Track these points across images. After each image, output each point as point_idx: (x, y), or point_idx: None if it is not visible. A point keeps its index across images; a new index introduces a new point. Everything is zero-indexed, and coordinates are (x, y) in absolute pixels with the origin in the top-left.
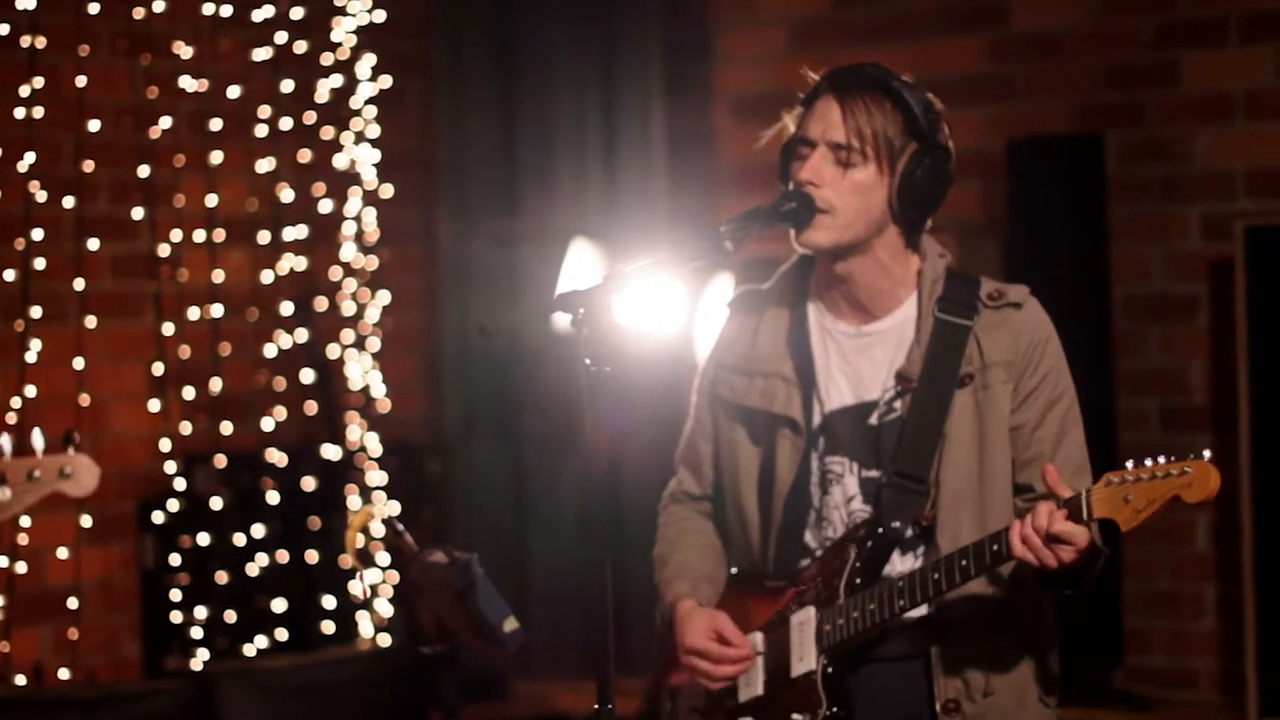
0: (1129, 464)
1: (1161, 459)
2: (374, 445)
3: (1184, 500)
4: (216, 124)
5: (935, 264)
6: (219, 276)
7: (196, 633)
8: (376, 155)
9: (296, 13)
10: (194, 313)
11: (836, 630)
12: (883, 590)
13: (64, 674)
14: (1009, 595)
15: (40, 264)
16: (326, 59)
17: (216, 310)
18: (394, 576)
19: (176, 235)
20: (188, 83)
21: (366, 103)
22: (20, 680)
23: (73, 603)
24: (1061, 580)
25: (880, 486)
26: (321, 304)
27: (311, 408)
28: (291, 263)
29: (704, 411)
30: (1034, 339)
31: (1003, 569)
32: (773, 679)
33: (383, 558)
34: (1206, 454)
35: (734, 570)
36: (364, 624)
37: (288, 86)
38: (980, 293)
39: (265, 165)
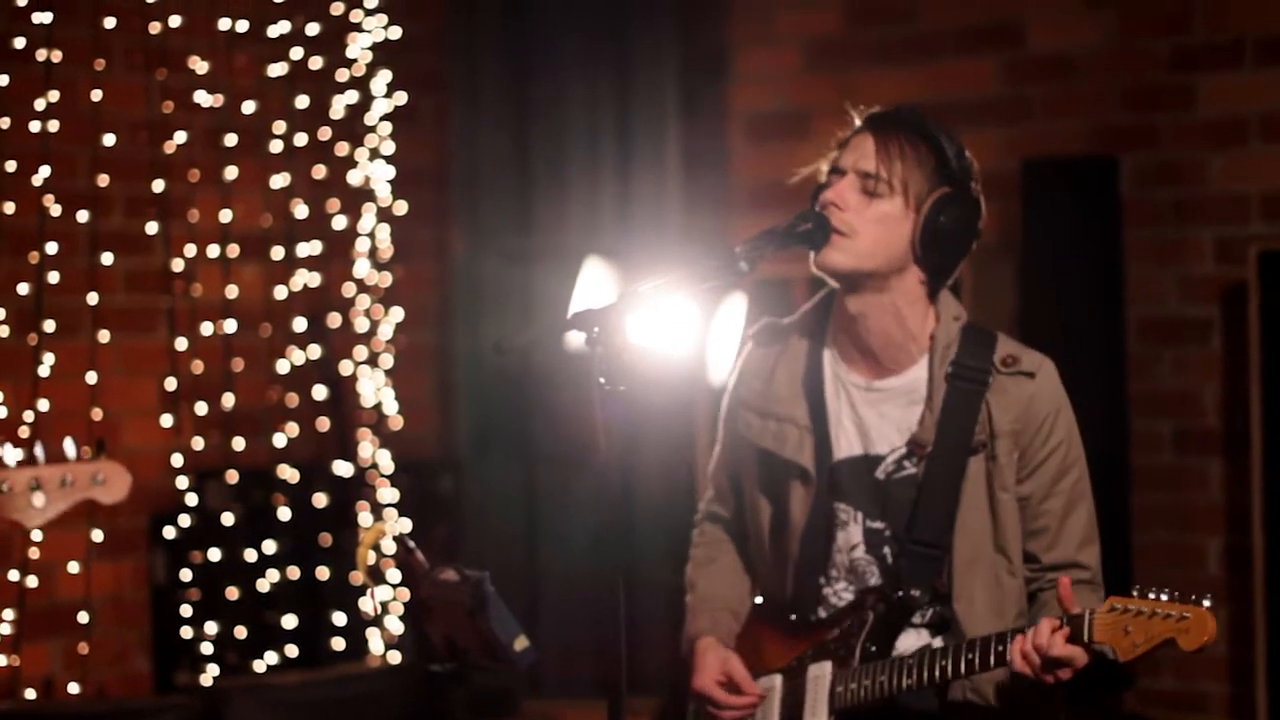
0: (1135, 592)
1: (1165, 595)
2: (386, 462)
3: (1179, 645)
4: (231, 139)
5: (949, 327)
6: (232, 292)
7: (207, 648)
8: (391, 172)
9: (312, 29)
10: (207, 328)
11: (848, 693)
12: (893, 665)
13: (74, 689)
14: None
15: (54, 278)
16: (341, 75)
17: (229, 326)
18: (405, 594)
19: (190, 250)
20: (203, 98)
21: (381, 119)
22: (30, 695)
23: (83, 617)
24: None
25: (897, 555)
26: (334, 320)
27: (324, 424)
28: (305, 279)
29: (726, 442)
30: (1043, 411)
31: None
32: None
33: (393, 575)
34: (1207, 602)
35: (759, 600)
36: (374, 641)
37: (303, 102)
38: (995, 357)
39: (279, 181)
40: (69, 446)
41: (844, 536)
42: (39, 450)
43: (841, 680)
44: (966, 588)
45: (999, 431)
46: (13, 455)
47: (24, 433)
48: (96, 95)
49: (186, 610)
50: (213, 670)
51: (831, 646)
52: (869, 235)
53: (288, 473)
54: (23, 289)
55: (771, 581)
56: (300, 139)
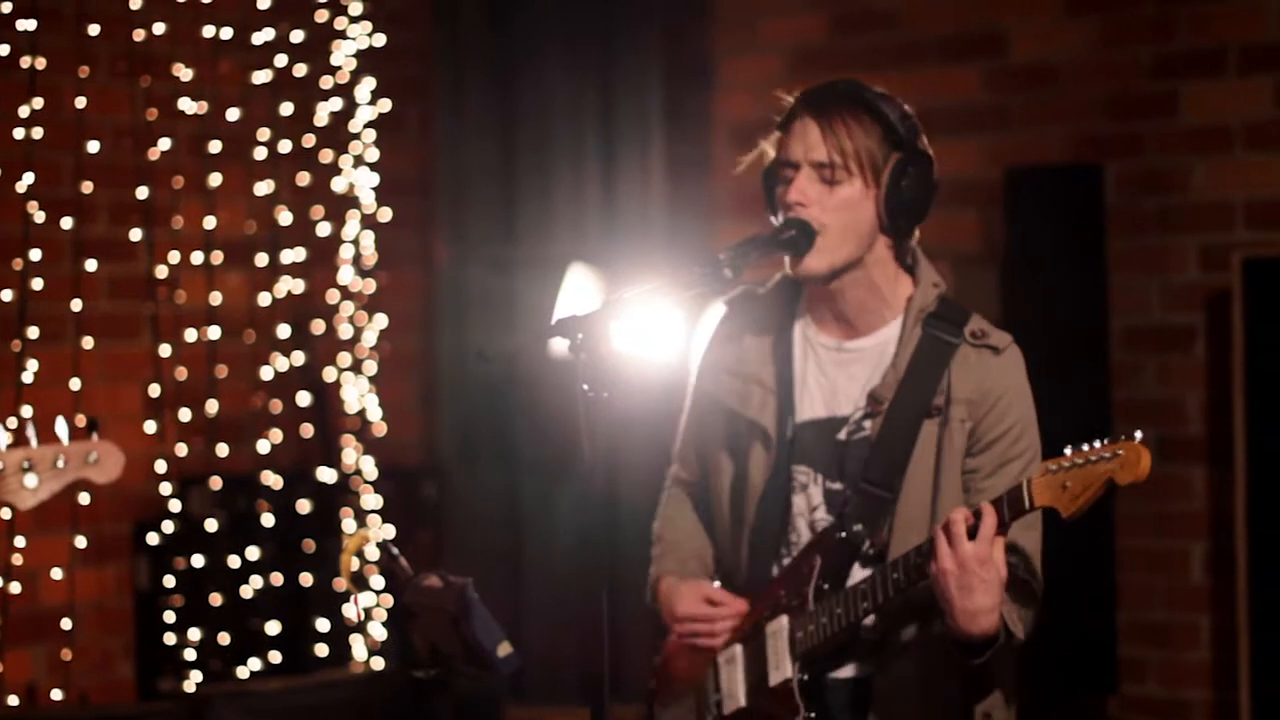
0: (1068, 449)
1: (1099, 443)
2: (369, 469)
3: (1116, 483)
4: (215, 146)
5: (928, 292)
6: (216, 298)
7: (190, 654)
8: (375, 179)
9: (296, 36)
10: (191, 334)
11: (808, 637)
12: (847, 594)
13: (57, 695)
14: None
15: (38, 284)
16: (326, 82)
17: (213, 332)
18: (388, 600)
19: (174, 257)
20: (187, 105)
21: (365, 126)
22: (13, 701)
23: (66, 624)
24: (961, 644)
25: (847, 494)
26: (318, 327)
27: (307, 430)
28: (289, 285)
29: (693, 406)
30: (999, 389)
31: None
32: (754, 689)
33: (377, 581)
34: (1139, 435)
35: (717, 583)
36: (358, 647)
37: (287, 109)
38: (966, 329)
39: (264, 188)
40: (61, 427)
41: (804, 499)
42: (31, 431)
43: (800, 626)
44: (902, 545)
45: (955, 398)
46: (4, 437)
47: (6, 440)
48: (81, 102)
49: (170, 616)
50: (196, 676)
51: (784, 601)
52: (836, 225)
53: (271, 479)
54: (6, 296)
55: (729, 557)
56: (284, 146)
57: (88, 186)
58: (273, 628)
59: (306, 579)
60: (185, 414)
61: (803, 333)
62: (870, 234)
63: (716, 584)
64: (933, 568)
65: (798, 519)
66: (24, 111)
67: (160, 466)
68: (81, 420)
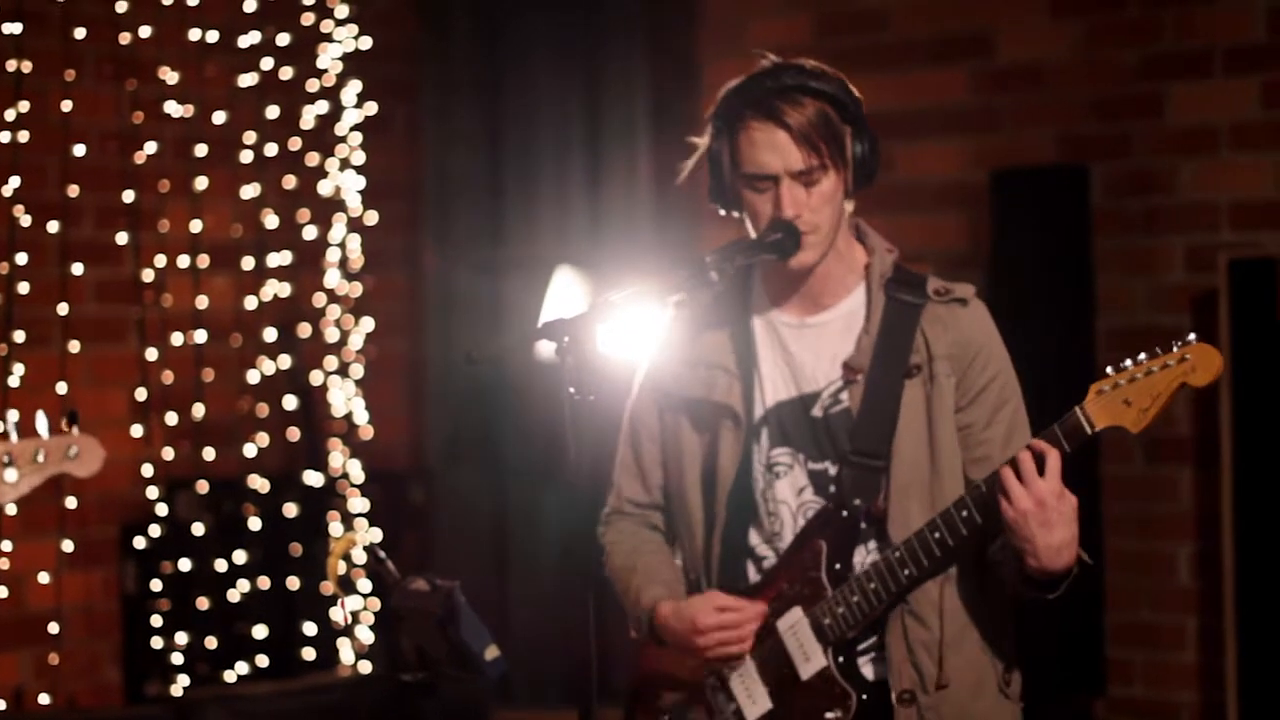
0: (1109, 370)
1: (1143, 356)
2: (356, 472)
3: (1190, 386)
4: (202, 150)
5: (884, 258)
6: (203, 302)
7: (177, 658)
8: (361, 182)
9: (283, 39)
10: (177, 338)
11: (839, 621)
12: (882, 566)
13: (44, 699)
14: (967, 586)
15: (24, 288)
16: (312, 85)
17: (200, 336)
18: (375, 604)
19: (160, 260)
20: (173, 108)
21: (352, 129)
22: (0, 705)
23: (54, 628)
24: (1031, 578)
25: (839, 468)
26: (305, 330)
27: (294, 434)
28: (275, 289)
29: (647, 410)
30: (978, 337)
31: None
32: (780, 689)
33: (364, 585)
34: (1193, 336)
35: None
36: (345, 651)
37: (273, 112)
38: (928, 289)
39: (250, 191)
40: (41, 422)
41: (789, 483)
42: (11, 425)
43: (825, 612)
44: (901, 511)
45: (936, 354)
46: None
47: None
48: (67, 105)
49: (157, 620)
50: (183, 680)
51: (791, 592)
52: (827, 219)
53: (258, 483)
54: None
55: (697, 550)
56: (271, 149)
57: (74, 190)
58: (260, 631)
59: (293, 582)
60: (172, 418)
61: (761, 312)
62: (843, 211)
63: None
64: (1009, 511)
65: (780, 506)
66: (10, 115)
67: (147, 470)
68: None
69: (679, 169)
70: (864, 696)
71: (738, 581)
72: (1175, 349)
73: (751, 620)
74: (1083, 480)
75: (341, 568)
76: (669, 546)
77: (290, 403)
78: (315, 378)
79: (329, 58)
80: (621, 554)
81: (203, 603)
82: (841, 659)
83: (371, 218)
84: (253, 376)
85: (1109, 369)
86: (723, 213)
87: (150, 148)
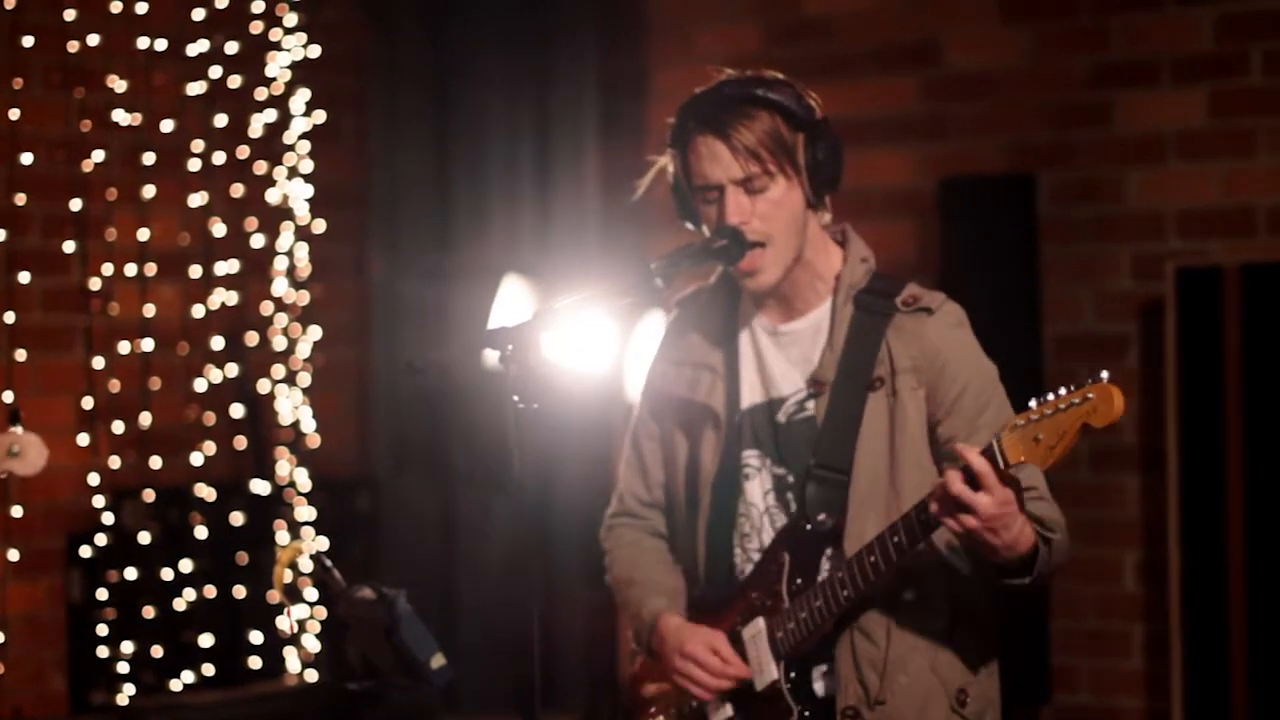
0: (1032, 403)
1: (1063, 390)
2: (303, 480)
3: (1093, 426)
4: (149, 158)
5: (856, 269)
6: (150, 311)
7: (123, 667)
8: (309, 190)
9: (231, 47)
10: (124, 347)
11: (789, 636)
12: (825, 586)
13: None
14: (918, 605)
15: None
16: (260, 94)
17: (147, 344)
18: (321, 612)
19: (108, 269)
20: (121, 116)
21: (300, 138)
22: None
23: None
24: (1006, 569)
25: (804, 481)
26: (252, 339)
27: (241, 443)
28: (223, 297)
29: (646, 410)
30: (944, 347)
31: (921, 569)
32: (740, 697)
33: (310, 593)
34: (1104, 375)
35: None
36: (291, 660)
37: (221, 121)
38: (897, 299)
39: (198, 200)
40: None
41: (757, 485)
42: None
43: (779, 625)
44: (858, 523)
45: (899, 368)
46: None
47: None
48: (14, 114)
49: (103, 629)
50: (129, 689)
51: (757, 603)
52: (779, 230)
53: (205, 491)
54: None
55: (689, 558)
56: (219, 157)
57: (21, 198)
58: (206, 640)
59: (240, 591)
60: (118, 426)
61: (746, 316)
62: (803, 219)
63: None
64: (957, 528)
65: (751, 509)
66: None
67: (93, 479)
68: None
69: (634, 185)
70: (806, 714)
71: (721, 583)
72: (1088, 383)
73: (729, 677)
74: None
75: (288, 576)
76: (670, 553)
77: (237, 411)
78: (262, 386)
79: (277, 66)
80: (621, 564)
81: (149, 611)
82: (794, 674)
83: (319, 226)
84: (200, 385)
85: (1031, 402)
86: (689, 227)
87: (98, 156)
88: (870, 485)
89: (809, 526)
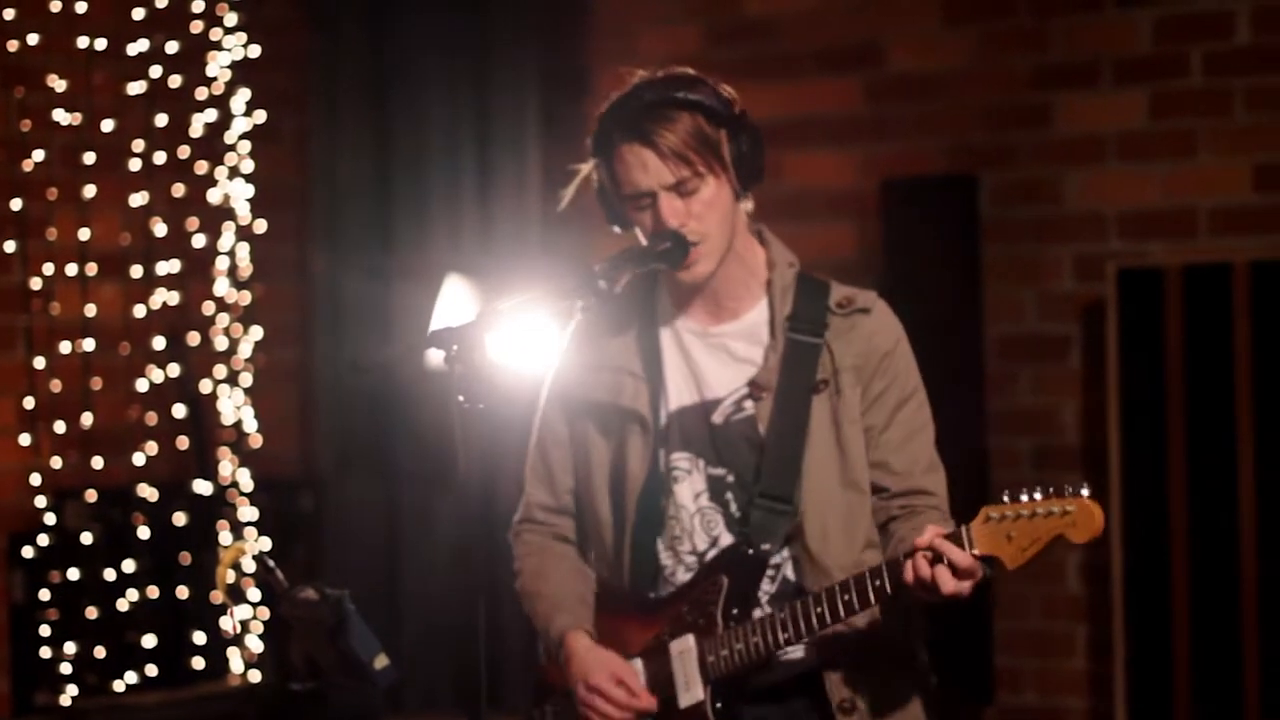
0: (1005, 497)
1: (1038, 494)
2: (246, 481)
3: (1070, 540)
4: (90, 158)
5: (785, 273)
6: (91, 310)
7: (66, 668)
8: (250, 190)
9: (171, 47)
10: (65, 347)
11: (721, 661)
12: (766, 623)
13: None
14: (884, 614)
15: None
16: (201, 94)
17: (88, 344)
18: (265, 613)
19: (48, 269)
20: (61, 116)
21: (241, 138)
22: None
23: None
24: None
25: (745, 507)
26: (194, 339)
27: (183, 443)
28: (164, 297)
29: (555, 416)
30: (883, 346)
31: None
32: (661, 708)
33: (254, 594)
34: (1085, 491)
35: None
36: (234, 660)
37: (162, 120)
38: (830, 301)
39: (139, 199)
40: None
41: (688, 487)
42: None
43: (711, 649)
44: (819, 521)
45: (841, 367)
46: None
47: None
48: None
49: (45, 630)
50: (72, 690)
51: (689, 618)
52: (713, 228)
53: (147, 491)
54: None
55: (611, 562)
56: (159, 157)
57: None
58: (149, 641)
59: (183, 592)
60: (60, 426)
61: (666, 319)
62: (734, 214)
63: (639, 664)
64: (935, 598)
65: (681, 511)
66: None
67: (35, 479)
68: None
69: (560, 195)
70: None
71: (646, 588)
72: (1067, 494)
73: (634, 709)
74: (971, 489)
75: (231, 576)
76: (579, 555)
77: (179, 411)
78: (204, 386)
79: (218, 66)
80: (528, 574)
81: (91, 612)
82: (720, 703)
83: (260, 226)
84: (141, 385)
85: (1005, 495)
86: (618, 231)
87: (38, 155)
88: (824, 488)
89: (751, 552)
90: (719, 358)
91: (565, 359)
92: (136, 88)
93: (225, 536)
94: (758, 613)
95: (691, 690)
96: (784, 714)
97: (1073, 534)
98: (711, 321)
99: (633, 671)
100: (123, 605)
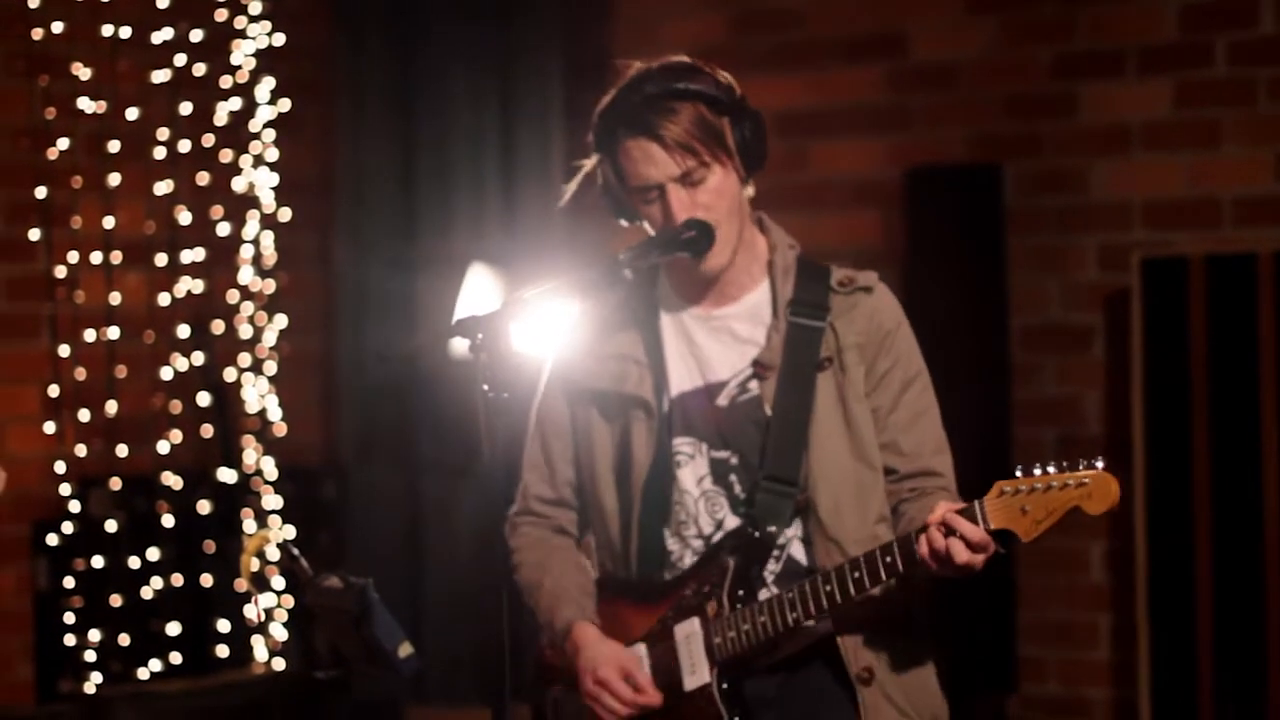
0: (1018, 471)
1: (1052, 467)
2: (270, 469)
3: (1086, 512)
4: (114, 146)
5: (785, 254)
6: (116, 299)
7: (90, 656)
8: (275, 179)
9: (196, 35)
10: (90, 335)
11: (728, 643)
12: (774, 603)
13: None
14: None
15: None
16: (225, 82)
17: (113, 333)
18: (289, 601)
19: (73, 257)
20: (86, 104)
21: (265, 126)
22: None
23: None
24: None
25: (750, 490)
26: (218, 327)
27: (207, 431)
28: (189, 285)
29: (556, 406)
30: (885, 323)
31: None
32: (665, 692)
33: (278, 582)
34: (1100, 464)
35: (598, 576)
36: (258, 648)
37: (186, 109)
38: (831, 282)
39: (163, 188)
40: None
41: (691, 471)
42: None
43: (717, 631)
44: (831, 501)
45: (845, 345)
46: None
47: None
48: None
49: (70, 618)
50: (96, 678)
51: (694, 602)
52: (724, 216)
53: (171, 480)
54: None
55: (616, 550)
56: (184, 145)
57: None
58: (173, 629)
59: (207, 580)
60: (84, 414)
61: (667, 304)
62: (741, 200)
63: (642, 649)
64: (947, 572)
65: (685, 496)
66: None
67: (60, 467)
68: None
69: (561, 191)
70: (736, 718)
71: (653, 574)
72: (1080, 469)
73: (640, 705)
74: (994, 477)
75: (255, 565)
76: (577, 548)
77: (203, 399)
78: (229, 374)
79: (242, 54)
80: (529, 566)
81: (116, 600)
82: (726, 684)
83: (285, 214)
84: (166, 373)
85: (1018, 470)
86: (625, 224)
87: (63, 144)
88: (833, 465)
89: (757, 535)
90: (722, 340)
91: (566, 349)
92: (161, 76)
93: (249, 524)
94: (764, 593)
95: (698, 673)
96: (801, 683)
97: (1088, 505)
98: (713, 305)
99: (640, 666)
100: (147, 593)
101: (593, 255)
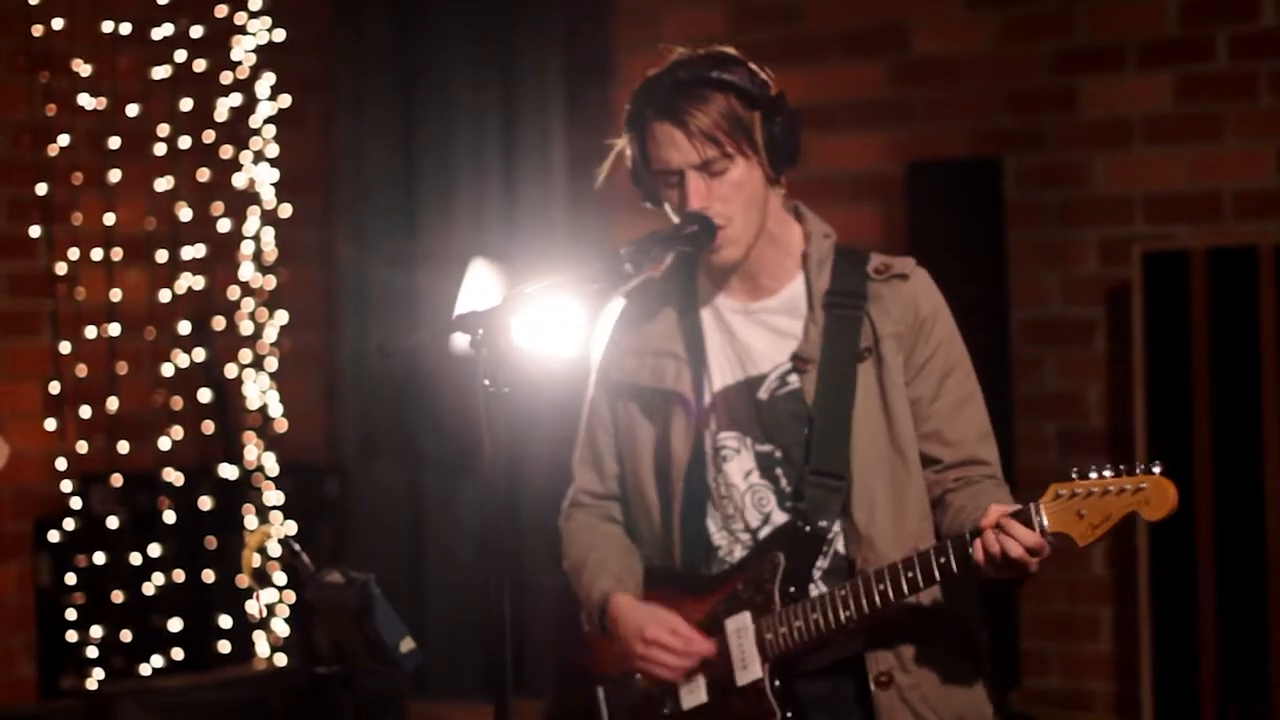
0: (1074, 474)
1: (1108, 471)
2: (271, 465)
3: (1144, 518)
4: (115, 142)
5: (821, 244)
6: (116, 295)
7: (92, 652)
8: (275, 175)
9: (196, 31)
10: (91, 331)
11: (780, 639)
12: (825, 600)
13: None
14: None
15: None
16: (226, 78)
17: (114, 329)
18: (290, 596)
19: (74, 253)
20: (86, 100)
21: (266, 122)
22: None
23: None
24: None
25: (798, 485)
26: (219, 323)
27: (209, 427)
28: (189, 282)
29: (600, 403)
30: (923, 310)
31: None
32: (716, 686)
33: (279, 578)
34: (1157, 468)
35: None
36: (260, 644)
37: (187, 105)
38: (868, 269)
39: (164, 184)
40: None
41: (737, 465)
42: None
43: (769, 627)
44: (866, 494)
45: (882, 335)
46: None
47: None
48: None
49: (72, 614)
50: (98, 674)
51: (744, 596)
52: (739, 210)
53: (173, 476)
54: None
55: (660, 545)
56: (184, 142)
57: None
58: (175, 625)
59: (208, 576)
60: (86, 411)
61: (707, 298)
62: (765, 197)
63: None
64: (1002, 574)
65: (733, 490)
66: None
67: (61, 464)
68: None
69: (596, 171)
70: (789, 715)
71: (698, 568)
72: (1138, 472)
73: (695, 655)
74: None
75: (256, 561)
76: (628, 536)
77: (204, 396)
78: (230, 371)
79: (242, 50)
80: (576, 548)
81: (117, 596)
82: (778, 681)
83: (285, 211)
84: (167, 370)
85: (1074, 472)
86: (649, 206)
87: (63, 140)
88: (872, 456)
89: (808, 529)
90: (761, 333)
91: (610, 347)
92: (161, 72)
93: (251, 521)
94: (813, 590)
95: (749, 668)
96: (851, 688)
97: (1146, 511)
98: (751, 299)
99: (683, 622)
100: (148, 589)
101: (594, 250)
